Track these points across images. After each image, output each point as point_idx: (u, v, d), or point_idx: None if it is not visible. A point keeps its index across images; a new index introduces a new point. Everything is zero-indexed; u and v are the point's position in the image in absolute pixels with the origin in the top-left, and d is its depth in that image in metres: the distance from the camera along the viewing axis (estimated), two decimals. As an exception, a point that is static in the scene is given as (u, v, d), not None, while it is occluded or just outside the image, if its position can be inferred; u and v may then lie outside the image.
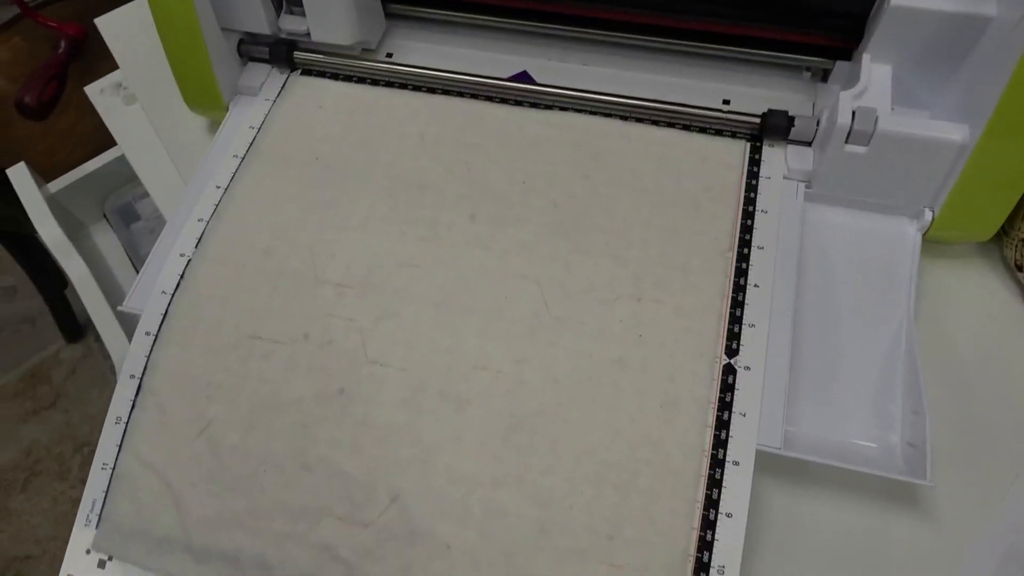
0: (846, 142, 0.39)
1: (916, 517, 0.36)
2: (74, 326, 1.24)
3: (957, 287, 0.42)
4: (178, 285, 0.40)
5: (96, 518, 0.37)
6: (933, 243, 0.42)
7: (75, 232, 0.62)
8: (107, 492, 0.37)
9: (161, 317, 0.40)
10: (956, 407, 0.38)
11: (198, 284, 0.40)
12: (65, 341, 1.24)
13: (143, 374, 0.39)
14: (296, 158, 0.44)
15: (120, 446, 0.38)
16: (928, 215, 0.40)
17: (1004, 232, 0.41)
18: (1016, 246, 0.41)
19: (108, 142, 0.61)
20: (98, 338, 1.20)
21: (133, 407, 0.38)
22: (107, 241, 0.64)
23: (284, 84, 0.48)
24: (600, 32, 0.47)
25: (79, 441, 1.21)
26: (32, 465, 1.13)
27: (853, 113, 0.38)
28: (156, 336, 0.39)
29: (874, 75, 0.40)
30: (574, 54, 0.48)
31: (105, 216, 0.64)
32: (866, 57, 0.40)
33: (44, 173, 0.63)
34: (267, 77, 0.48)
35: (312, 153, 0.44)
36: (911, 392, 0.37)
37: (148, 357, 0.39)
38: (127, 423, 0.38)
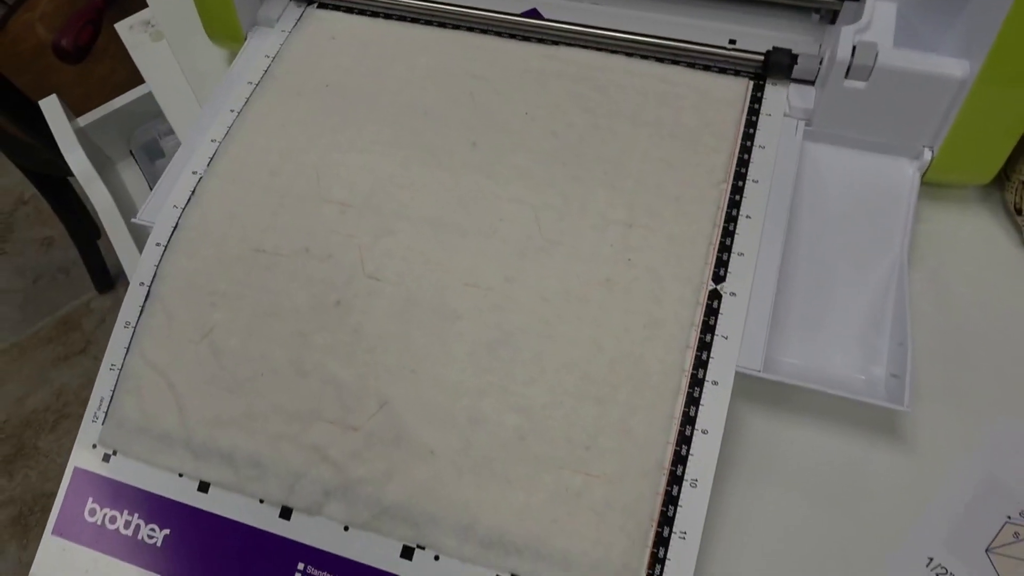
0: (846, 77, 0.39)
1: (895, 445, 0.36)
2: (106, 277, 1.28)
3: (956, 230, 0.42)
4: (189, 200, 0.42)
5: (103, 415, 0.39)
6: (932, 186, 0.42)
7: (102, 166, 0.64)
8: (114, 391, 0.39)
9: (172, 229, 0.41)
10: (946, 346, 0.39)
11: (208, 199, 0.42)
12: (97, 291, 1.28)
13: (152, 282, 0.40)
14: (307, 85, 0.46)
15: (128, 348, 0.39)
16: (927, 155, 0.40)
17: (1005, 176, 0.41)
18: (1016, 189, 0.40)
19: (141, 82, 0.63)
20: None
21: (141, 312, 0.40)
22: (133, 176, 0.66)
23: (300, 16, 0.49)
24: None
25: (108, 388, 1.26)
26: (61, 408, 1.18)
27: (854, 48, 0.38)
28: (166, 247, 0.41)
29: (878, 11, 0.40)
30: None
31: (131, 153, 0.66)
32: (871, -5, 0.40)
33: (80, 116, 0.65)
34: (284, 10, 0.49)
35: (323, 81, 0.46)
36: (898, 326, 0.37)
37: (157, 266, 0.41)
38: (135, 327, 0.40)
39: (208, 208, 0.42)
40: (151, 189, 0.64)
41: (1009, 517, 0.34)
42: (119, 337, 0.40)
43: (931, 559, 0.34)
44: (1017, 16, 0.35)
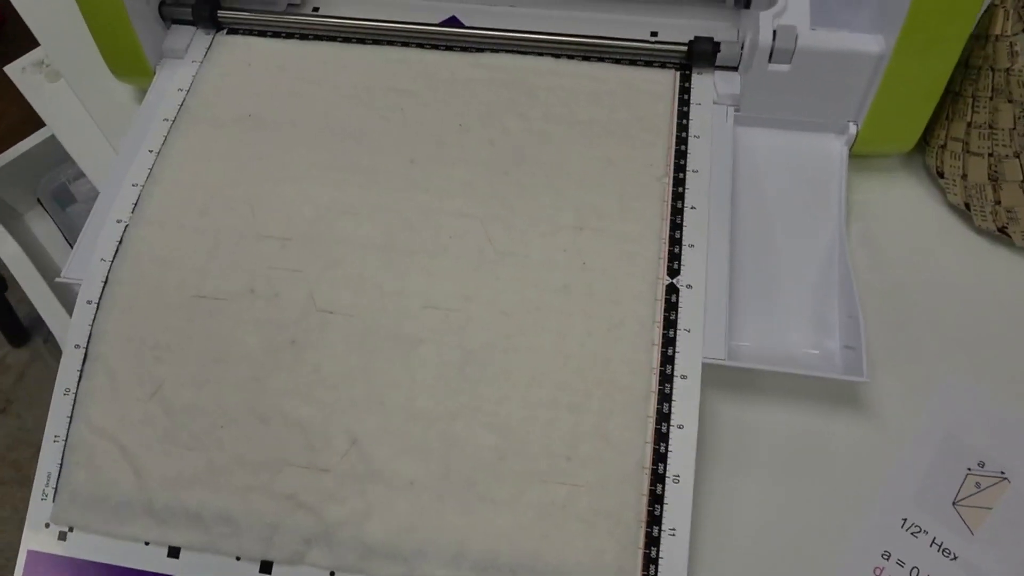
0: (769, 61, 0.40)
1: (858, 415, 0.38)
2: (19, 330, 1.20)
3: (885, 197, 0.43)
4: (117, 251, 0.40)
5: (52, 491, 0.36)
6: (860, 158, 0.43)
7: (8, 221, 0.60)
8: (61, 464, 0.37)
9: (102, 284, 0.39)
10: (889, 309, 0.40)
11: (137, 248, 0.40)
12: (11, 346, 1.21)
13: (88, 343, 0.38)
14: (227, 116, 0.44)
15: (71, 416, 0.37)
16: (852, 129, 0.42)
17: (925, 142, 0.43)
18: (936, 153, 0.42)
19: (40, 127, 0.59)
20: (46, 339, 1.17)
21: (81, 376, 0.38)
22: (44, 227, 0.62)
23: (210, 44, 0.47)
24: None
25: (36, 446, 1.19)
26: (-12, 473, 1.11)
27: (774, 32, 0.39)
28: (98, 303, 0.39)
29: (793, -5, 0.41)
30: (503, 3, 0.48)
31: (40, 201, 0.62)
32: (784, -21, 0.41)
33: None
34: (192, 38, 0.47)
35: (243, 110, 0.44)
36: (846, 299, 0.38)
37: (92, 325, 0.38)
38: (76, 393, 0.37)
39: (139, 258, 0.40)
40: (65, 238, 0.60)
41: (969, 469, 0.36)
42: (60, 406, 0.37)
43: (905, 519, 0.35)
44: (920, 3, 0.36)
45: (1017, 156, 0.38)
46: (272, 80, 0.45)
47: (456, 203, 0.40)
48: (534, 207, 0.40)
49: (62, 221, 0.61)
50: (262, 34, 0.47)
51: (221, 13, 0.47)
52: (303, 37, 0.47)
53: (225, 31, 0.47)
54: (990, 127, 0.38)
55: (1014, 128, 0.37)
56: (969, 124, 0.39)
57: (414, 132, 0.42)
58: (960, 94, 0.40)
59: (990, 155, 0.39)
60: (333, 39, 0.46)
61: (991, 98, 0.38)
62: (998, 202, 0.40)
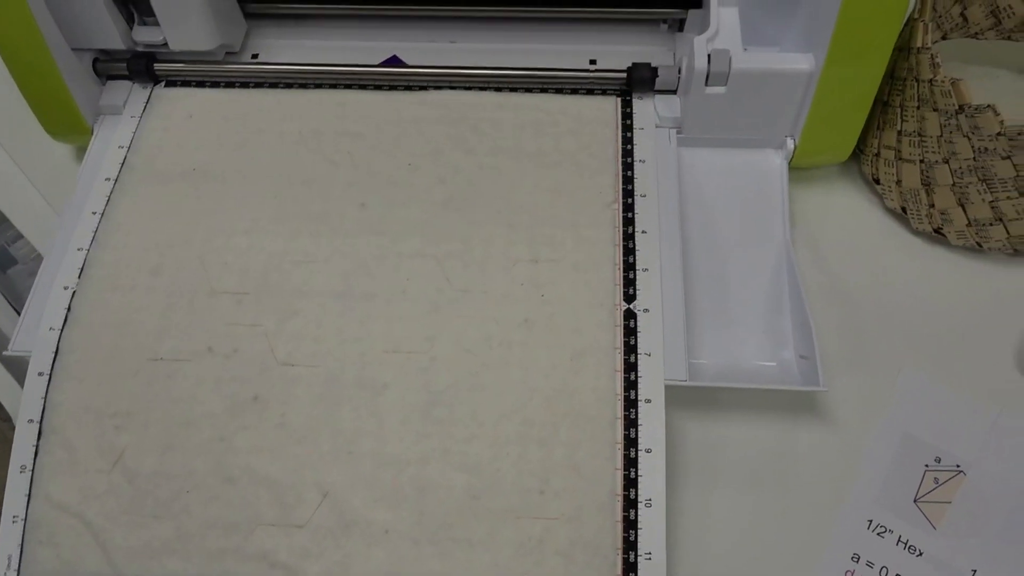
0: (706, 85, 0.41)
1: (819, 422, 0.39)
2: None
3: (827, 206, 0.45)
4: (66, 319, 0.39)
5: (15, 574, 0.35)
6: (800, 170, 0.44)
7: (-54, 286, 0.58)
8: (22, 544, 0.35)
9: (53, 355, 0.38)
10: (838, 314, 0.41)
11: (87, 315, 0.39)
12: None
13: (42, 416, 0.37)
14: (172, 171, 0.43)
15: (29, 494, 0.36)
16: (790, 144, 0.43)
17: (860, 151, 0.45)
18: (871, 161, 0.44)
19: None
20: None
21: (37, 451, 0.37)
22: (-16, 290, 0.60)
23: (148, 98, 0.46)
24: (463, 8, 0.47)
25: (-8, 510, 1.14)
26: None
27: (708, 56, 0.40)
28: (50, 375, 0.38)
29: (723, 18, 0.42)
30: (441, 33, 0.49)
31: (-23, 265, 0.60)
32: (714, 2, 0.42)
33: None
34: (129, 93, 0.46)
35: (188, 164, 0.43)
36: (797, 308, 0.39)
37: (45, 398, 0.37)
38: (32, 469, 0.36)
39: (90, 324, 0.39)
40: (9, 302, 0.58)
41: (927, 465, 0.37)
42: (16, 484, 0.36)
43: (871, 521, 0.36)
44: (848, 12, 0.37)
45: (946, 161, 0.39)
46: (215, 131, 0.44)
47: (411, 244, 0.40)
48: (489, 243, 0.40)
49: (3, 284, 0.59)
50: (201, 85, 0.46)
51: (158, 66, 0.46)
52: (244, 85, 0.46)
53: (163, 84, 0.47)
54: (919, 135, 0.40)
55: (941, 135, 0.39)
56: (900, 132, 0.41)
57: (364, 175, 0.42)
58: (889, 104, 0.42)
59: (921, 161, 0.40)
60: (275, 86, 0.46)
61: (918, 107, 0.39)
62: (932, 205, 0.41)
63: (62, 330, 0.38)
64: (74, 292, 0.39)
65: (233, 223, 0.41)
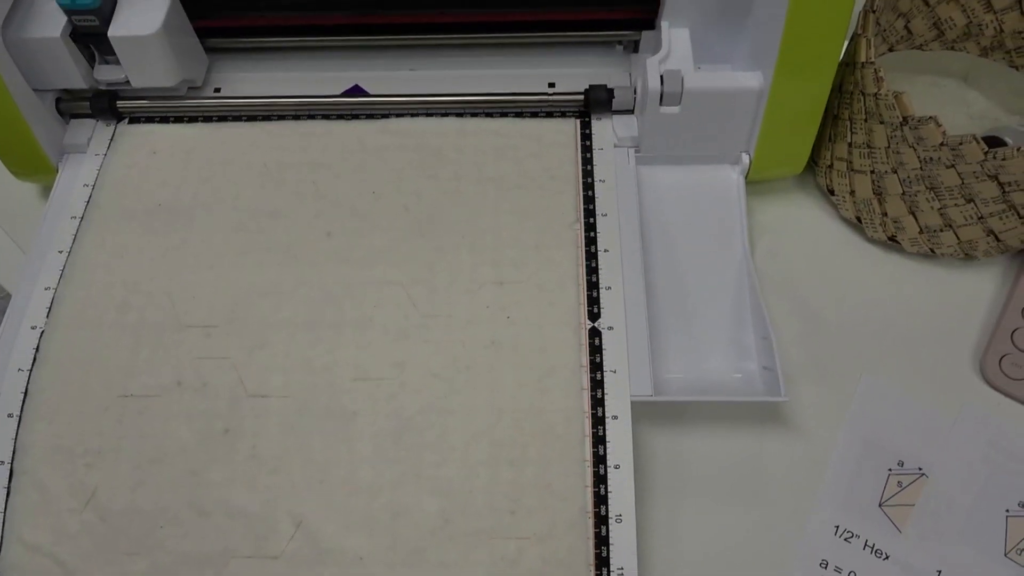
0: (660, 104, 0.42)
1: (785, 431, 0.40)
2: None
3: (785, 218, 0.46)
4: (35, 359, 0.39)
5: (-10, 618, 0.35)
6: (757, 183, 0.45)
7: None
8: (-4, 588, 0.35)
9: (22, 395, 0.38)
10: (801, 323, 0.42)
11: (56, 354, 0.39)
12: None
13: (12, 458, 0.37)
14: (138, 208, 0.43)
15: (2, 537, 0.36)
16: (746, 159, 0.44)
17: (814, 163, 0.46)
18: (825, 172, 0.45)
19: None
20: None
21: (8, 493, 0.36)
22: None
23: (112, 136, 0.46)
24: (422, 36, 0.48)
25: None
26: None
27: (661, 77, 0.41)
28: (20, 416, 0.38)
29: (675, 39, 0.43)
30: (401, 61, 0.49)
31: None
32: (665, 24, 0.43)
33: None
34: (93, 132, 0.46)
35: (153, 200, 0.44)
36: (758, 321, 0.40)
37: (15, 439, 0.37)
38: (4, 511, 0.36)
39: (59, 363, 0.39)
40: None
41: (890, 469, 0.38)
42: (-12, 528, 0.36)
43: (837, 526, 0.37)
44: (792, 30, 0.38)
45: (895, 172, 0.40)
46: (180, 166, 0.45)
47: (377, 271, 0.41)
48: (454, 267, 0.41)
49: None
50: (164, 120, 0.47)
51: (120, 103, 0.46)
52: (207, 119, 0.47)
53: (126, 120, 0.47)
54: (868, 146, 0.41)
55: (888, 147, 0.40)
56: (850, 144, 0.42)
57: (329, 204, 0.43)
58: (839, 117, 0.43)
59: (872, 172, 0.42)
60: (238, 118, 0.47)
61: (865, 120, 0.41)
62: (885, 214, 0.42)
63: (31, 370, 0.38)
64: (42, 332, 0.40)
65: (199, 257, 0.41)
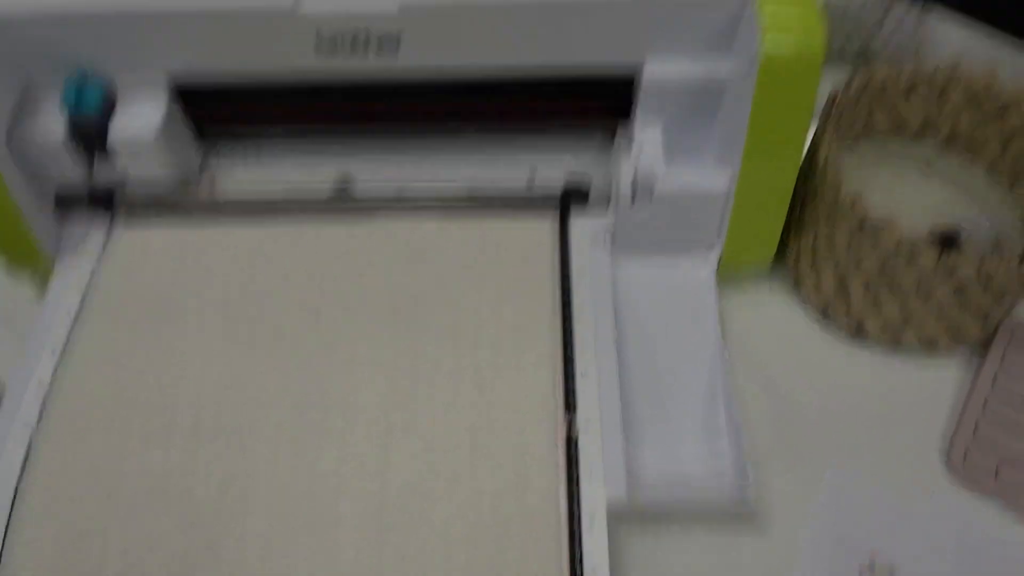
0: (633, 203, 0.44)
1: (756, 528, 0.40)
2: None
3: (756, 308, 0.47)
4: (25, 460, 0.40)
5: None
6: (728, 275, 0.47)
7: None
8: None
9: (11, 500, 0.39)
10: (773, 415, 0.44)
11: (46, 456, 0.40)
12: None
13: None
14: (130, 307, 0.45)
15: (-11, 638, 0.37)
16: (716, 252, 0.46)
17: (782, 255, 0.47)
18: (793, 265, 0.47)
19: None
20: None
21: (-4, 594, 0.37)
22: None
23: (109, 232, 0.48)
24: (409, 124, 0.50)
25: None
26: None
27: (634, 177, 0.43)
28: (8, 521, 0.38)
29: (647, 138, 0.45)
30: (390, 156, 0.51)
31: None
32: (638, 124, 0.45)
33: None
34: (89, 229, 0.48)
35: (146, 302, 0.45)
36: (730, 417, 0.41)
37: (1, 549, 0.38)
38: (-7, 612, 0.37)
39: (48, 465, 0.40)
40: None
41: (860, 565, 0.39)
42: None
43: (810, 625, 0.38)
44: (755, 131, 0.40)
45: (857, 268, 0.42)
46: (172, 268, 0.46)
47: (361, 373, 0.42)
48: (437, 358, 0.42)
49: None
50: (160, 215, 0.48)
51: (118, 199, 0.48)
52: (201, 216, 0.48)
53: (123, 216, 0.49)
54: (831, 243, 0.43)
55: (849, 245, 0.42)
56: (814, 240, 0.44)
57: (314, 304, 0.44)
58: (803, 213, 0.45)
59: (835, 267, 0.43)
60: (232, 215, 0.48)
61: (827, 218, 0.42)
62: (849, 307, 0.44)
63: (21, 474, 0.39)
64: (33, 431, 0.41)
65: (188, 362, 0.43)
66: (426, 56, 0.43)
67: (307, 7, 0.40)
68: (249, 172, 0.50)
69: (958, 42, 0.49)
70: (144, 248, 0.47)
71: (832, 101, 0.44)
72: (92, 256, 0.47)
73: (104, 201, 0.48)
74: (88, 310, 0.45)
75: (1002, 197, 0.47)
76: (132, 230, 0.48)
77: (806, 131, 0.41)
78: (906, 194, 0.50)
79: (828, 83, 0.45)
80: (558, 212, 0.48)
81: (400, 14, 0.40)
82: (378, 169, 0.51)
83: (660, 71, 0.43)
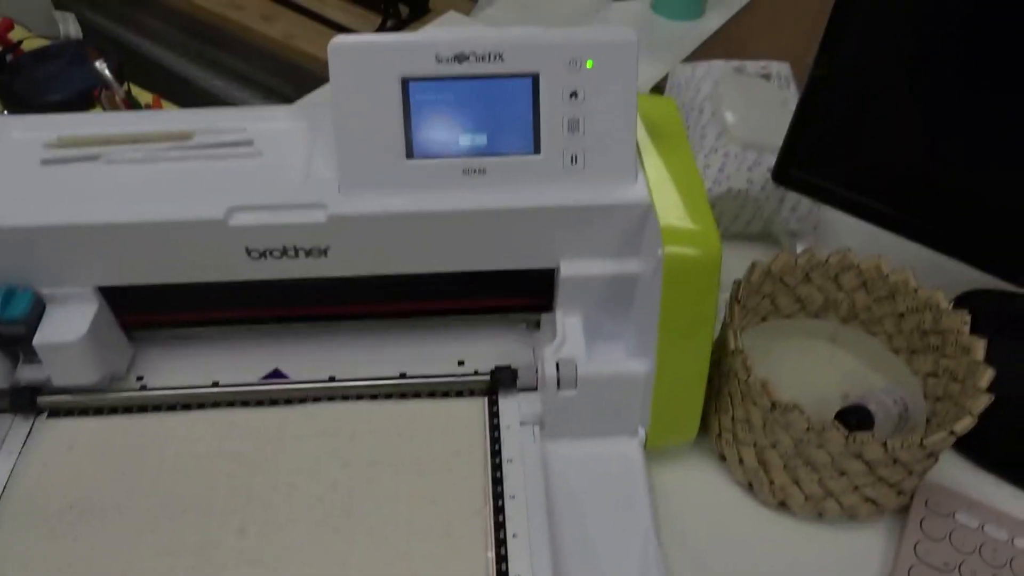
0: (558, 389, 0.45)
1: None
2: None
3: (684, 481, 0.49)
4: None
5: None
6: (656, 451, 0.48)
7: None
8: None
9: None
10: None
11: None
12: None
13: None
14: (49, 509, 0.43)
15: None
16: (642, 432, 0.47)
17: (706, 429, 0.49)
18: (716, 440, 0.48)
19: None
20: None
21: None
22: None
23: (30, 431, 0.47)
24: (340, 322, 0.51)
25: None
26: None
27: (557, 365, 0.45)
28: None
29: (568, 327, 0.47)
30: (320, 343, 0.52)
31: None
32: (559, 313, 0.48)
33: None
34: (10, 427, 0.47)
35: (67, 500, 0.44)
36: (663, 596, 0.41)
37: None
38: None
39: None
40: None
41: None
42: None
43: None
44: (666, 323, 0.43)
45: (774, 447, 0.44)
46: (96, 462, 0.45)
47: (289, 571, 0.41)
48: (369, 559, 0.41)
49: None
50: (84, 412, 0.48)
51: (41, 398, 0.48)
52: (127, 411, 0.48)
53: (46, 414, 0.48)
54: (748, 422, 0.45)
55: (764, 426, 0.44)
56: (733, 419, 0.46)
57: (243, 499, 0.44)
58: (721, 393, 0.47)
59: (755, 445, 0.45)
60: (158, 408, 0.48)
61: (742, 399, 0.45)
62: (772, 482, 0.45)
63: None
64: (-69, 662, 0.38)
65: (109, 565, 0.41)
66: (355, 263, 0.45)
67: (237, 219, 0.42)
68: (180, 371, 0.51)
69: (850, 224, 0.53)
70: (67, 443, 0.46)
71: (737, 289, 0.47)
72: (11, 455, 0.46)
73: (26, 401, 0.47)
74: (4, 512, 0.43)
75: (903, 368, 0.50)
76: (55, 425, 0.47)
77: (713, 319, 0.44)
78: (816, 364, 0.53)
79: (737, 257, 0.49)
80: (487, 397, 0.49)
81: (329, 224, 0.42)
82: (309, 358, 0.52)
83: (576, 268, 0.46)
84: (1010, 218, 0.47)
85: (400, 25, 0.98)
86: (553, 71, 0.42)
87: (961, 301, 0.55)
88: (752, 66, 0.67)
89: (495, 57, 0.41)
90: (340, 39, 0.41)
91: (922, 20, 0.44)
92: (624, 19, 0.92)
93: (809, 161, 0.52)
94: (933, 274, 0.50)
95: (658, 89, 0.80)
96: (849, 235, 0.58)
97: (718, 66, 0.67)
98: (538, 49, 0.41)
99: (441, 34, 0.41)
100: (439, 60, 0.41)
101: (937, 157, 0.48)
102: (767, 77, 0.65)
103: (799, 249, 0.59)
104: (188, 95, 1.29)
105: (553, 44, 0.41)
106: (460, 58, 0.41)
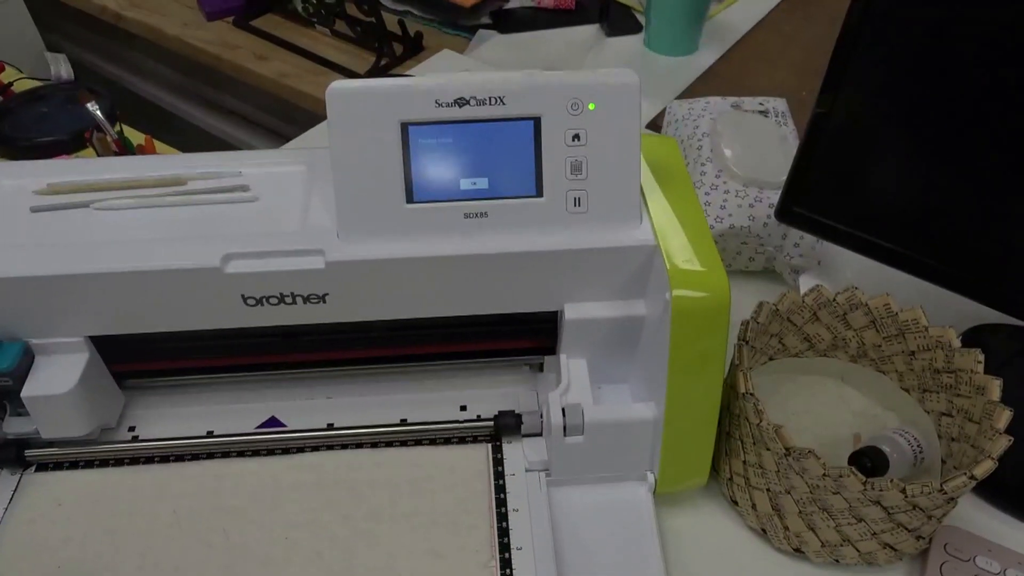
0: (565, 435, 0.44)
1: None
2: None
3: (695, 527, 0.47)
4: None
5: None
6: (665, 496, 0.47)
7: None
8: None
9: None
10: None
11: None
12: None
13: None
14: (35, 570, 0.42)
15: None
16: (651, 477, 0.46)
17: (717, 473, 0.48)
18: (727, 485, 0.47)
19: None
20: None
21: None
22: None
23: (17, 486, 0.45)
24: (338, 368, 0.50)
25: None
26: None
27: (563, 410, 0.44)
28: None
29: (573, 371, 0.46)
30: (317, 390, 0.51)
31: None
32: (563, 356, 0.47)
33: None
34: (-2, 477, 0.46)
35: (54, 560, 0.42)
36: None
37: None
38: None
39: None
40: None
41: None
42: None
43: None
44: (675, 363, 0.42)
45: (788, 492, 0.43)
46: (85, 518, 0.44)
47: (287, 635, 0.39)
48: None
49: None
50: (74, 466, 0.46)
51: (29, 452, 0.46)
52: (118, 463, 0.47)
53: (33, 468, 0.46)
54: (760, 467, 0.44)
55: (778, 471, 0.42)
56: (744, 463, 0.45)
57: (239, 556, 0.42)
58: (731, 436, 0.46)
59: (768, 490, 0.44)
60: (151, 460, 0.47)
61: (754, 444, 0.43)
62: (787, 528, 0.44)
63: None
64: None
65: (97, 631, 0.39)
66: (355, 309, 0.44)
67: (233, 266, 0.41)
68: (173, 421, 0.49)
69: (853, 260, 0.53)
70: (55, 498, 0.45)
71: (744, 330, 0.46)
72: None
73: (14, 455, 0.46)
74: (-12, 578, 0.41)
75: (915, 407, 0.49)
76: (43, 480, 0.46)
77: (722, 361, 0.43)
78: (826, 404, 0.52)
79: (741, 294, 0.48)
80: (491, 443, 0.47)
81: (328, 270, 0.41)
82: (306, 406, 0.50)
83: (580, 311, 0.45)
84: (1016, 253, 0.46)
85: (394, 63, 0.98)
86: (555, 114, 0.41)
87: (970, 337, 0.54)
88: (749, 102, 0.67)
89: (496, 100, 0.41)
90: (339, 84, 0.40)
91: (925, 57, 0.44)
92: (618, 55, 0.92)
93: (813, 199, 0.51)
94: (939, 307, 0.49)
95: (654, 125, 0.80)
96: (853, 270, 0.57)
97: (715, 102, 0.67)
98: (540, 92, 0.41)
99: (441, 78, 0.41)
100: (439, 104, 0.40)
101: (941, 193, 0.47)
102: (764, 113, 0.65)
103: (803, 284, 0.58)
104: (181, 133, 1.28)
105: (555, 86, 0.41)
106: (460, 102, 0.40)
